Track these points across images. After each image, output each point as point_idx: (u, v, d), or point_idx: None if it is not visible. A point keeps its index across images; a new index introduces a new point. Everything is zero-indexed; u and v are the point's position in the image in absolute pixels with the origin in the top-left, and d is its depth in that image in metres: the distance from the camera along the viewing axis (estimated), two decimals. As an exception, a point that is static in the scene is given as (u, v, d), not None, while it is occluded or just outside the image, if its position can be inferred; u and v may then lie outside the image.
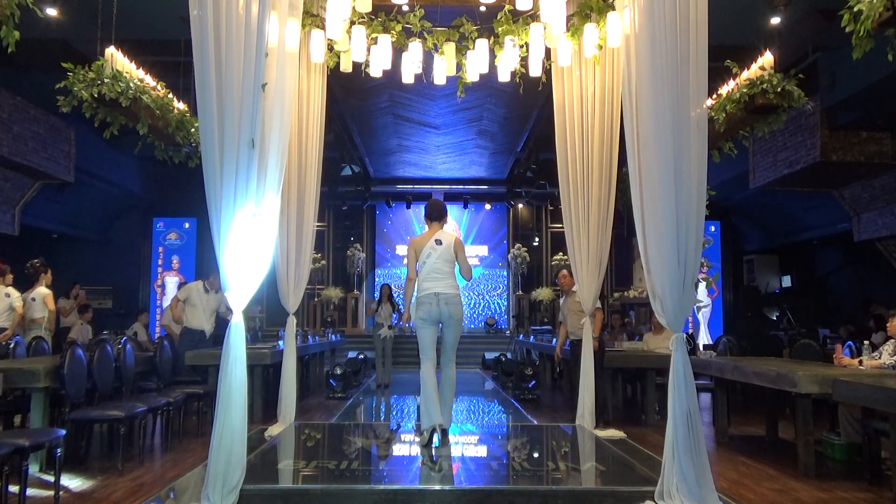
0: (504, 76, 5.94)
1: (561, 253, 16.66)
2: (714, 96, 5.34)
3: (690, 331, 13.66)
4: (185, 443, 5.84)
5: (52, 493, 3.93)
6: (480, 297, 18.03)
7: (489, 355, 13.73)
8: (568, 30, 5.58)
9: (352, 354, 11.95)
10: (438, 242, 4.96)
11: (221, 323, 7.66)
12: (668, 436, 3.69)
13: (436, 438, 4.81)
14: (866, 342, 5.80)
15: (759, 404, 7.39)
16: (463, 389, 10.51)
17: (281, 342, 7.60)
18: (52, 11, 7.53)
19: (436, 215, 5.16)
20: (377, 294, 11.17)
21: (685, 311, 3.73)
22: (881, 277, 12.28)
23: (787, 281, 15.44)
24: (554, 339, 10.50)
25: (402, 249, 18.15)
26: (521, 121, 12.08)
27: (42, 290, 7.38)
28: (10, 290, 7.24)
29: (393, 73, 6.09)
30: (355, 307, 16.76)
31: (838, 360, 5.70)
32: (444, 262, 4.94)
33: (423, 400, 4.97)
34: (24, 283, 7.71)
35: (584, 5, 5.52)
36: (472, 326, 17.45)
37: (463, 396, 9.72)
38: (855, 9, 3.54)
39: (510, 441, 6.22)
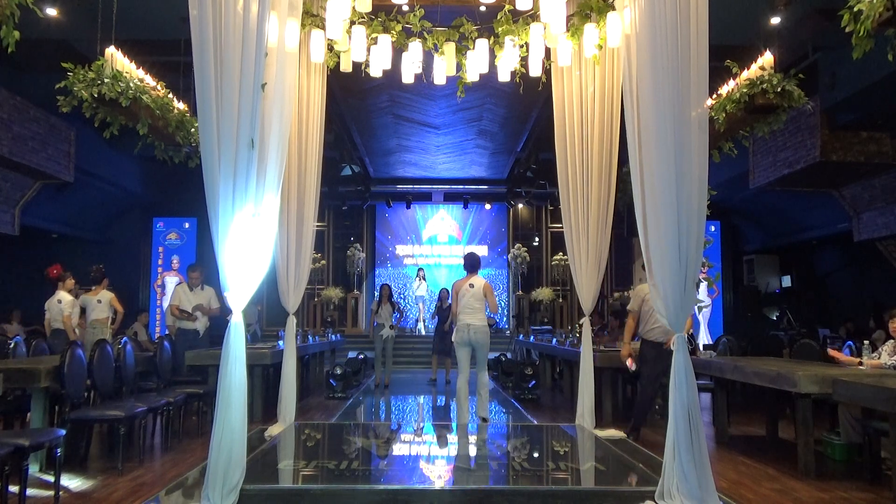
0: (504, 76, 5.94)
1: (561, 253, 16.66)
2: (714, 96, 5.34)
3: (690, 330, 13.65)
4: (185, 443, 5.84)
5: (52, 493, 3.93)
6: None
7: (489, 355, 13.68)
8: (568, 30, 5.58)
9: (352, 354, 11.95)
10: (472, 286, 6.45)
11: (220, 322, 7.69)
12: (669, 436, 3.69)
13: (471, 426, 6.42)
14: (866, 342, 5.81)
15: (759, 404, 7.39)
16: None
17: (281, 342, 7.61)
18: (52, 11, 7.52)
19: (470, 267, 6.67)
20: (377, 295, 11.17)
21: (686, 311, 3.73)
22: (881, 277, 12.28)
23: (787, 281, 15.44)
24: (554, 340, 10.49)
25: (401, 249, 18.17)
26: (521, 121, 12.07)
27: (107, 293, 7.86)
28: (64, 294, 7.70)
29: (393, 73, 6.09)
30: (355, 307, 16.75)
31: (836, 355, 5.73)
32: (476, 301, 6.40)
33: (456, 404, 6.64)
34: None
35: (584, 5, 5.52)
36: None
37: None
38: (855, 9, 3.53)
39: (510, 441, 6.22)
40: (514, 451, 5.59)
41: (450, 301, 9.45)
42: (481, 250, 18.19)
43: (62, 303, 7.64)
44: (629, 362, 5.88)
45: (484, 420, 6.48)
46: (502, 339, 16.44)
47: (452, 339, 6.67)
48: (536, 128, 12.08)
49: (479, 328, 6.39)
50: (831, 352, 6.16)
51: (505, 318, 17.72)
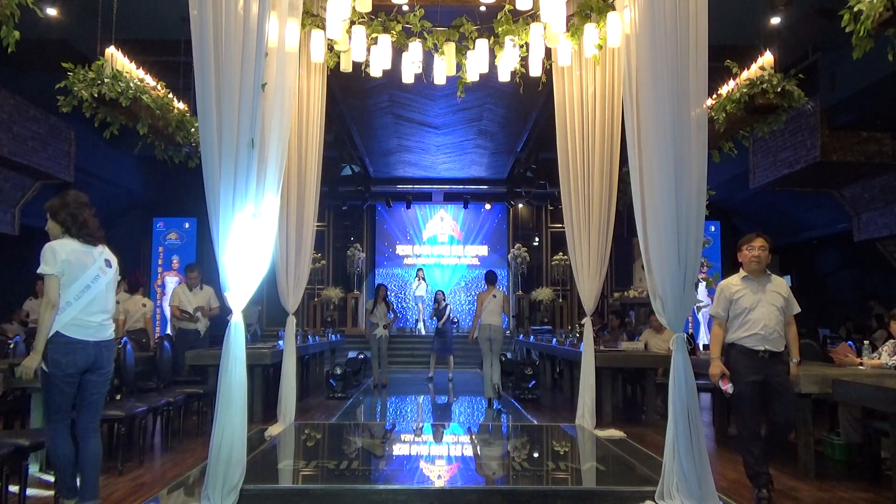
0: (504, 76, 5.94)
1: (561, 253, 16.65)
2: (714, 96, 5.34)
3: (690, 330, 13.65)
4: (185, 443, 5.84)
5: (52, 493, 3.92)
6: (480, 298, 18.05)
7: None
8: (568, 30, 5.58)
9: (352, 354, 11.94)
10: (494, 297, 8.42)
11: (220, 322, 7.71)
12: (669, 436, 3.69)
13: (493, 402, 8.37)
14: (866, 342, 5.80)
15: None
16: (463, 389, 10.51)
17: (281, 342, 7.62)
18: (52, 11, 7.52)
19: (491, 281, 8.71)
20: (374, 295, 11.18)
21: (685, 311, 3.73)
22: (881, 277, 12.28)
23: (787, 281, 15.41)
24: (554, 340, 10.49)
25: (401, 249, 18.17)
26: (521, 121, 12.07)
27: (125, 294, 8.29)
28: (146, 299, 8.48)
29: (393, 73, 6.10)
30: (355, 307, 16.75)
31: (842, 355, 5.68)
32: (497, 307, 8.42)
33: (484, 379, 8.49)
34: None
35: (584, 5, 5.52)
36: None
37: (463, 396, 9.73)
38: (855, 9, 3.54)
39: (510, 441, 6.23)
40: (514, 451, 5.59)
41: (446, 302, 11.15)
42: (481, 250, 18.21)
43: (146, 306, 8.25)
44: (723, 383, 4.19)
45: (493, 393, 8.34)
46: (503, 339, 16.43)
47: (476, 337, 8.48)
48: (536, 128, 12.08)
49: (497, 328, 8.42)
50: (842, 353, 5.90)
51: (505, 319, 17.74)
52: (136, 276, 9.42)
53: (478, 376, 12.79)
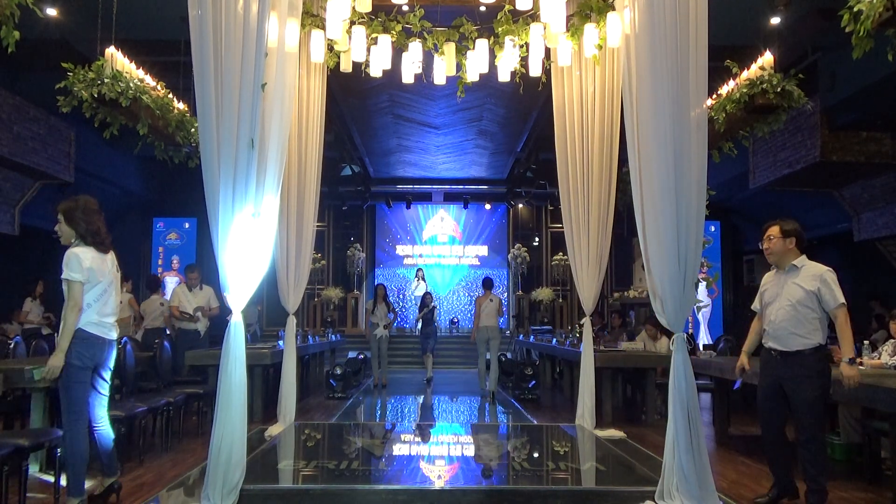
0: (504, 76, 5.94)
1: (561, 253, 16.65)
2: (714, 96, 5.34)
3: (690, 331, 13.65)
4: (185, 443, 5.83)
5: (52, 493, 3.93)
6: (480, 298, 18.03)
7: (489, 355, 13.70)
8: (568, 30, 5.58)
9: (352, 354, 11.95)
10: (491, 301, 9.33)
11: (220, 323, 7.72)
12: (669, 436, 3.69)
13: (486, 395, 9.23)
14: (866, 342, 5.80)
15: (759, 404, 7.36)
16: (463, 389, 10.51)
17: (281, 342, 7.62)
18: (52, 11, 7.52)
19: (488, 286, 9.63)
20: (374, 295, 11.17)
21: (685, 311, 3.73)
22: (881, 277, 12.27)
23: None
24: (554, 340, 10.48)
25: (401, 249, 18.16)
26: (521, 121, 12.06)
27: (127, 294, 8.47)
28: (164, 298, 8.71)
29: (393, 73, 6.09)
30: (355, 307, 16.75)
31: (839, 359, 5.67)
32: (492, 311, 9.32)
33: (479, 374, 9.81)
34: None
35: (584, 5, 5.52)
36: (472, 326, 17.45)
37: (463, 396, 9.73)
38: (855, 9, 3.54)
39: (510, 441, 6.23)
40: (514, 451, 5.59)
41: (433, 304, 11.49)
42: (481, 250, 18.21)
43: (164, 305, 8.48)
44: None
45: (491, 394, 9.01)
46: (502, 339, 16.42)
47: (474, 338, 9.43)
48: (536, 128, 12.08)
49: (494, 328, 9.29)
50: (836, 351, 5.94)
51: (505, 319, 17.72)
52: (155, 277, 9.74)
53: (477, 376, 12.78)
